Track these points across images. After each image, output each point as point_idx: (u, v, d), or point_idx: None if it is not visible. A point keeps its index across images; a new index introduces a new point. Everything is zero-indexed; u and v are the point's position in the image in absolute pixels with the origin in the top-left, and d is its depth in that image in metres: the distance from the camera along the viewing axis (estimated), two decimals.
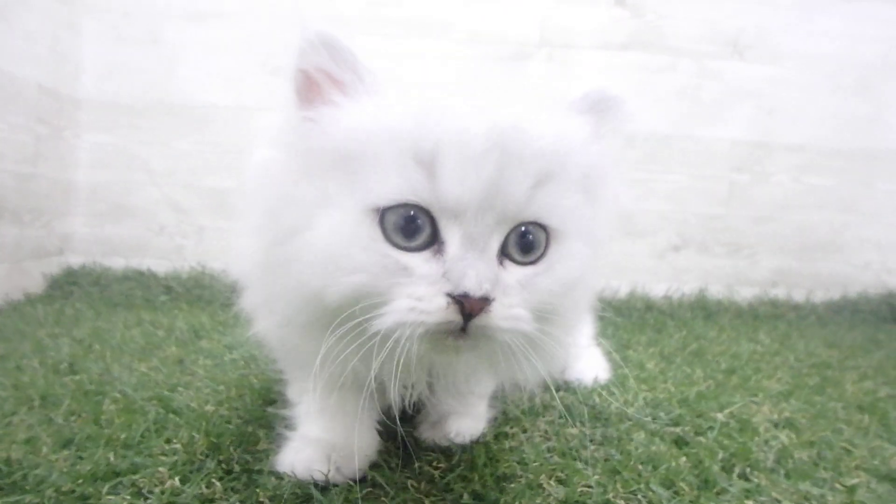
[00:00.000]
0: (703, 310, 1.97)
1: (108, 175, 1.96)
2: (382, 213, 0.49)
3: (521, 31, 1.98)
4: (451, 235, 0.49)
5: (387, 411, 0.79)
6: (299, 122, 0.55)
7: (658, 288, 2.06)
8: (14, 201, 1.67)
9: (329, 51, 0.55)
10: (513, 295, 0.50)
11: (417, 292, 0.47)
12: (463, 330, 0.49)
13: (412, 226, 0.49)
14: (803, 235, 2.12)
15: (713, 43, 2.05)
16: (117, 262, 1.95)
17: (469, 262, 0.48)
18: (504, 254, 0.52)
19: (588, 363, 1.14)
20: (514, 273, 0.51)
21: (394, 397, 0.62)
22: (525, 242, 0.52)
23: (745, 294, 2.09)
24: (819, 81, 2.07)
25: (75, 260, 1.94)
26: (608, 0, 2.00)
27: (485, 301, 0.47)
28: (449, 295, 0.47)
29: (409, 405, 0.72)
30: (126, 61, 1.96)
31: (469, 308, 0.47)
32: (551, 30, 2.00)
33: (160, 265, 1.96)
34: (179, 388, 1.00)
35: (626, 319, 1.88)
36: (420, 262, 0.49)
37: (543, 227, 0.53)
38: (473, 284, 0.46)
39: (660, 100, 2.05)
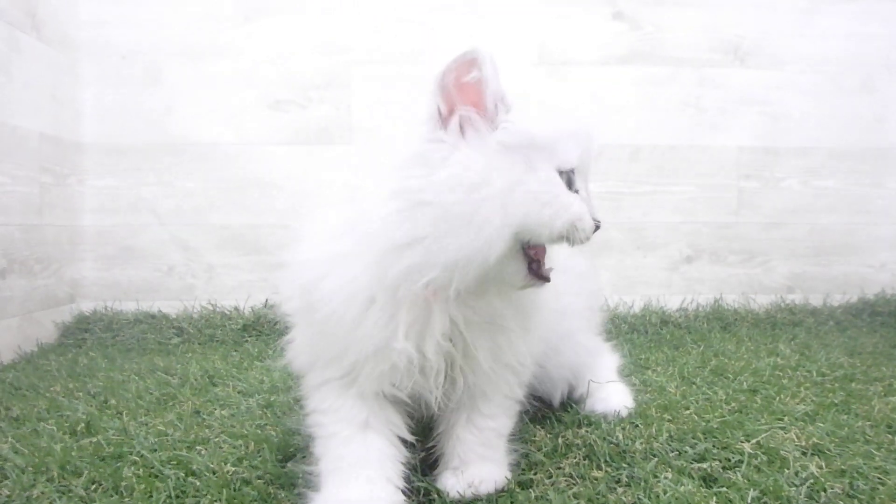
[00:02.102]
0: (720, 320, 1.95)
1: (114, 218, 1.97)
2: (562, 173, 0.72)
3: (520, 49, 1.98)
4: (581, 185, 0.75)
5: (409, 464, 0.81)
6: (499, 125, 0.71)
7: (673, 300, 2.04)
8: (23, 253, 1.68)
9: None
10: None
11: (587, 215, 0.73)
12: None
13: (570, 179, 0.73)
14: (816, 239, 2.10)
15: (714, 51, 2.04)
16: (128, 306, 1.95)
17: (591, 201, 0.76)
18: None
19: (609, 394, 1.13)
20: None
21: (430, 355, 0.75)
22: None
23: (762, 301, 2.06)
24: (823, 83, 2.06)
25: (87, 306, 1.94)
26: (606, 14, 1.99)
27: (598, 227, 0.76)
28: (594, 220, 0.75)
29: (437, 403, 0.81)
30: (126, 103, 1.96)
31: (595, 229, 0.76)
32: (550, 47, 1.99)
33: (171, 306, 1.96)
34: (197, 447, 0.99)
35: (641, 336, 1.86)
36: (578, 198, 0.73)
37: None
38: (599, 217, 0.76)
39: (663, 111, 2.04)
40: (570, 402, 1.14)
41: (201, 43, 1.96)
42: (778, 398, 1.20)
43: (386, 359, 0.75)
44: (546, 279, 0.75)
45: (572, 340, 1.06)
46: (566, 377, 1.10)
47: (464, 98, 0.69)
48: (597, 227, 0.75)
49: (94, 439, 1.03)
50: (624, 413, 1.10)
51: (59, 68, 1.84)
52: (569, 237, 0.72)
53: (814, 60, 2.05)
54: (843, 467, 0.88)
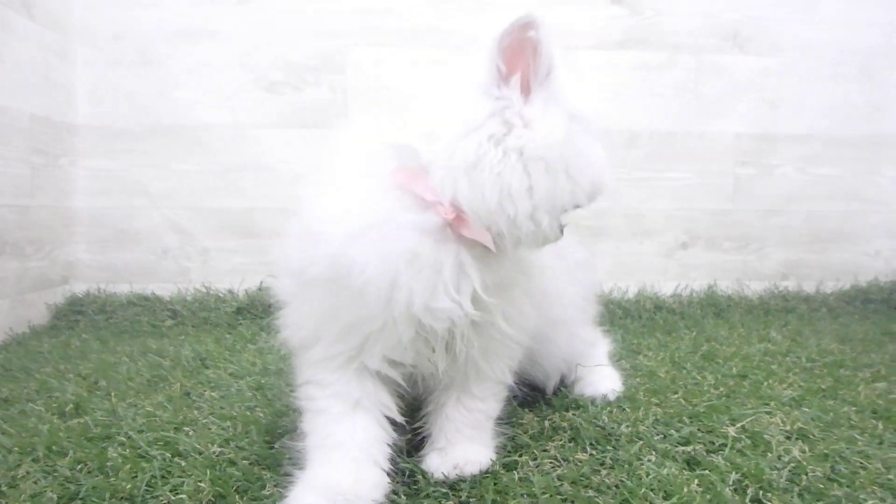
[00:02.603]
0: (714, 306, 1.95)
1: (108, 201, 1.96)
2: None
3: None
4: None
5: (397, 446, 0.82)
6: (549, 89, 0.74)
7: (667, 286, 2.04)
8: (14, 234, 1.67)
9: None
10: None
11: None
12: None
13: None
14: (812, 226, 2.09)
15: (712, 36, 2.02)
16: (122, 288, 1.95)
17: None
18: None
19: (600, 377, 1.13)
20: None
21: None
22: None
23: (756, 288, 2.06)
24: (821, 70, 2.04)
25: (80, 288, 1.94)
26: None
27: None
28: None
29: (434, 379, 0.83)
30: (119, 85, 1.95)
31: None
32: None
33: (165, 289, 1.95)
34: (185, 428, 0.99)
35: (635, 321, 1.86)
36: None
37: None
38: None
39: (660, 97, 2.02)
40: (561, 387, 1.15)
41: (195, 25, 1.94)
42: (766, 383, 1.20)
43: (412, 323, 0.74)
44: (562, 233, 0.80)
45: (566, 330, 1.05)
46: (559, 367, 1.10)
47: (521, 60, 0.71)
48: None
49: (82, 420, 1.03)
50: (612, 397, 1.10)
51: (50, 49, 1.83)
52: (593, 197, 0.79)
53: (812, 47, 2.03)
54: (825, 451, 0.88)
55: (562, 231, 0.79)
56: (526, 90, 0.72)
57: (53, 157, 1.85)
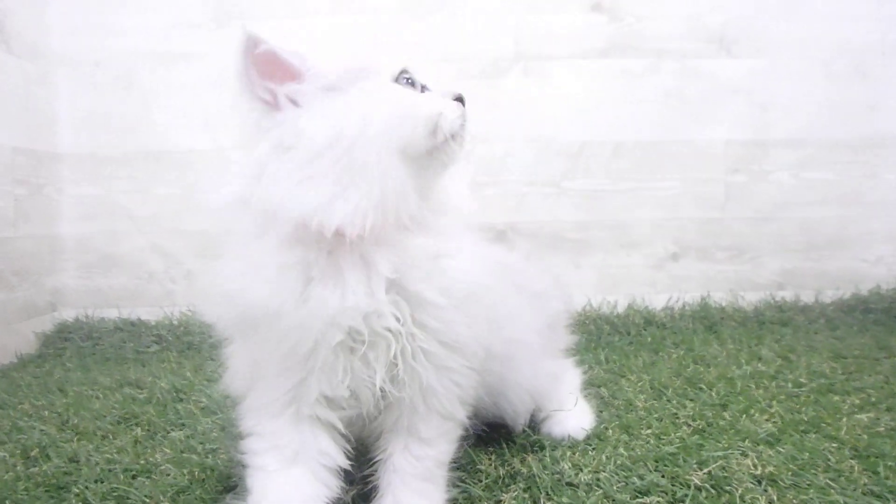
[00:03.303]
0: (706, 320, 1.90)
1: (93, 226, 1.97)
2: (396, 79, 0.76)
3: (495, 46, 1.92)
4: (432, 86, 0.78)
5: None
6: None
7: (658, 299, 1.99)
8: None
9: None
10: None
11: (445, 102, 0.76)
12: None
13: (412, 82, 0.77)
14: (808, 233, 2.03)
15: (697, 40, 1.95)
16: (111, 313, 1.96)
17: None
18: None
19: (567, 415, 1.09)
20: None
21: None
22: None
23: (751, 299, 2.00)
24: (813, 70, 1.97)
25: (69, 314, 1.96)
26: (584, 6, 1.92)
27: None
28: (454, 98, 0.77)
29: (374, 410, 0.79)
30: (101, 110, 1.95)
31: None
32: (526, 42, 1.93)
33: (152, 312, 1.96)
34: (141, 478, 0.98)
35: (623, 338, 1.82)
36: (428, 96, 0.77)
37: None
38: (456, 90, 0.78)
39: (645, 104, 1.97)
40: (529, 426, 1.11)
41: (174, 49, 1.93)
42: (745, 415, 1.16)
43: (338, 330, 0.72)
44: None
45: (529, 354, 1.00)
46: (526, 401, 1.05)
47: (272, 77, 0.71)
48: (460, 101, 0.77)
49: (45, 467, 1.03)
50: (581, 436, 1.07)
51: (30, 79, 1.83)
52: (439, 133, 0.73)
53: (802, 45, 1.96)
54: (794, 501, 0.84)
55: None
56: (297, 98, 0.71)
57: (37, 186, 1.85)
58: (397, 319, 0.73)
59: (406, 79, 0.75)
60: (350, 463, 0.82)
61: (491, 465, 0.98)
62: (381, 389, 0.76)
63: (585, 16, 1.93)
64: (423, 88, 0.77)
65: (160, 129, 1.96)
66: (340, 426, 0.80)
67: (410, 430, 0.81)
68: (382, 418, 0.81)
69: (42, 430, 1.19)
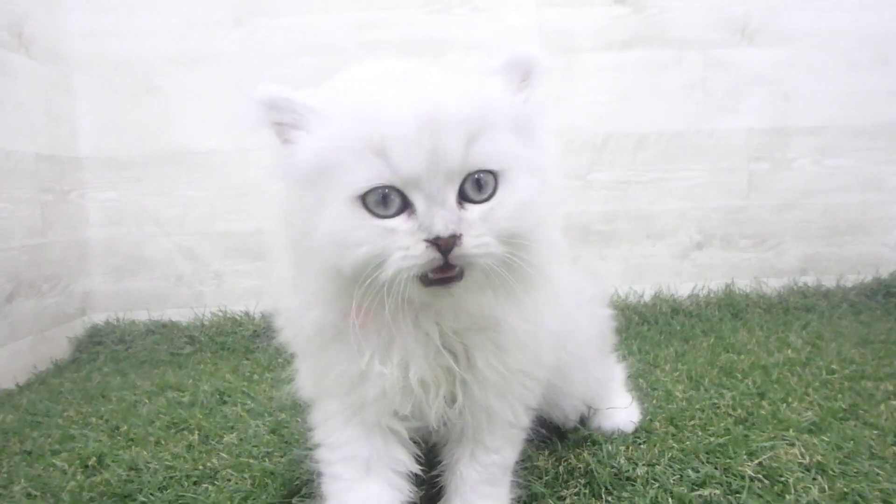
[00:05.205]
0: (731, 307, 1.92)
1: (119, 230, 1.98)
2: (363, 197, 0.63)
3: (518, 41, 1.92)
4: (417, 199, 0.62)
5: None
6: (285, 158, 0.69)
7: (684, 288, 2.01)
8: (29, 274, 1.70)
9: (271, 107, 0.70)
10: (477, 226, 0.63)
11: (405, 244, 0.62)
12: (447, 267, 0.63)
13: (386, 200, 0.63)
14: (830, 220, 2.05)
15: (720, 31, 1.96)
16: (140, 315, 1.98)
17: (434, 213, 0.62)
18: (463, 198, 0.64)
19: (617, 410, 1.11)
20: (474, 211, 0.64)
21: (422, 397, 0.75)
22: (478, 185, 0.64)
23: (774, 285, 2.03)
24: (834, 58, 1.97)
25: (99, 318, 1.97)
26: None
27: (454, 237, 0.61)
28: (426, 240, 0.61)
29: (439, 425, 0.79)
30: (122, 115, 1.95)
31: (444, 245, 0.61)
32: (550, 35, 1.93)
33: (182, 314, 1.98)
34: (205, 483, 1.00)
35: (652, 327, 1.84)
36: (400, 223, 0.63)
37: (490, 171, 0.65)
38: (441, 227, 0.61)
39: (668, 96, 1.98)
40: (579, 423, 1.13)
41: (193, 50, 1.93)
42: (785, 404, 1.18)
43: (378, 385, 0.74)
44: (449, 279, 0.64)
45: (584, 367, 1.01)
46: (578, 408, 1.07)
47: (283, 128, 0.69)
48: (452, 241, 0.61)
49: (105, 476, 1.05)
50: (630, 429, 1.09)
51: (51, 84, 1.83)
52: (383, 273, 0.62)
53: (824, 35, 1.96)
54: (844, 490, 0.86)
55: (436, 281, 0.64)
56: None
57: (62, 192, 1.86)
58: (454, 359, 0.74)
59: (382, 195, 0.62)
60: (420, 467, 0.84)
61: (548, 462, 1.00)
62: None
63: (609, 8, 1.93)
64: (407, 207, 0.63)
65: (182, 131, 1.96)
66: (406, 434, 0.81)
67: (476, 439, 0.83)
68: (448, 429, 0.82)
69: (95, 438, 1.21)
